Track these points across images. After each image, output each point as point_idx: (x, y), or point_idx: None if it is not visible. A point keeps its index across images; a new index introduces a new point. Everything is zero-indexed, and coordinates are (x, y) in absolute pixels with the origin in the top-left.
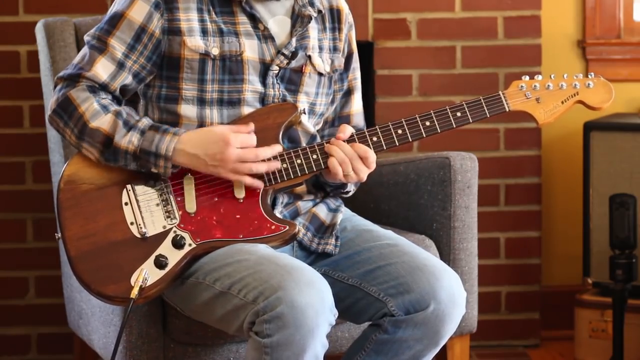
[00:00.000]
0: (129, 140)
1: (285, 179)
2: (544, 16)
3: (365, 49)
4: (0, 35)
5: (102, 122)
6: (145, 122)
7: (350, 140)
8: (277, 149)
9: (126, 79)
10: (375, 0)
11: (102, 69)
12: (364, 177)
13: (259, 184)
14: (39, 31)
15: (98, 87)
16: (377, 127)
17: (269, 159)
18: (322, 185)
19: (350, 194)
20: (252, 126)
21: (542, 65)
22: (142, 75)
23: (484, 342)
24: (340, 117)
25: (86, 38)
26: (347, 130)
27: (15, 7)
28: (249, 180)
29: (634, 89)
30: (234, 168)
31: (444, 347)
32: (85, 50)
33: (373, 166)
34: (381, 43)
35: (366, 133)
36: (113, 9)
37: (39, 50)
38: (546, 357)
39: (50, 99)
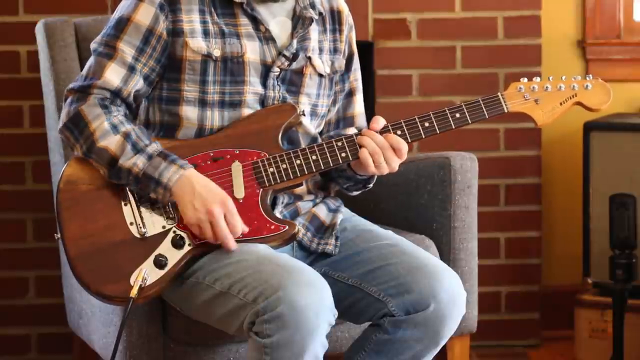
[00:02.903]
0: (134, 163)
1: (285, 179)
2: (544, 16)
3: (365, 49)
4: (0, 35)
5: (110, 142)
6: (155, 147)
7: (349, 140)
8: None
9: (138, 82)
10: (375, 0)
11: (114, 75)
12: (396, 167)
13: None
14: (39, 31)
15: (110, 98)
16: None
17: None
18: (344, 179)
19: (369, 187)
20: (246, 229)
21: (542, 66)
22: (152, 77)
23: (484, 342)
24: (345, 119)
25: (92, 46)
26: (380, 122)
27: (15, 7)
28: (203, 235)
29: (634, 89)
30: (202, 222)
31: (444, 347)
32: (92, 59)
33: (405, 156)
34: (381, 43)
35: None
36: (117, 14)
37: (39, 50)
38: (546, 357)
39: (49, 99)
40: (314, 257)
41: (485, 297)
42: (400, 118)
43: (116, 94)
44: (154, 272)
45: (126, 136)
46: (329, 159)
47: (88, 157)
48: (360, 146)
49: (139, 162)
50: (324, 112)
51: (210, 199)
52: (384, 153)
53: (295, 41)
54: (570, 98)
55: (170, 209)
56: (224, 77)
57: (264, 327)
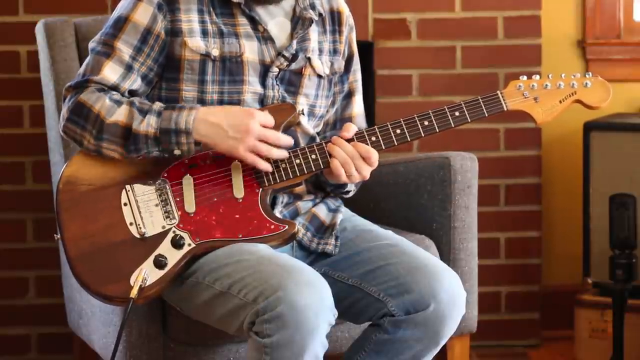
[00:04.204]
0: (147, 124)
1: (285, 178)
2: (544, 16)
3: (365, 49)
4: (0, 35)
5: (118, 114)
6: (159, 104)
7: (349, 140)
8: (291, 140)
9: (135, 81)
10: (375, 0)
11: (111, 72)
12: (368, 176)
13: (269, 167)
14: (39, 31)
15: (107, 89)
16: (375, 127)
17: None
18: (322, 185)
19: (351, 194)
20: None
21: (542, 66)
22: (150, 77)
23: (484, 342)
24: (342, 120)
25: (90, 45)
26: (351, 129)
27: (15, 7)
28: (263, 165)
29: (634, 89)
30: (253, 145)
31: (444, 347)
32: (90, 57)
33: (375, 164)
34: (381, 43)
35: (365, 133)
36: (116, 13)
37: (39, 50)
38: (546, 357)
39: (49, 99)
40: (313, 257)
41: (485, 297)
42: (400, 118)
43: (113, 89)
44: (154, 272)
45: (130, 104)
46: (328, 158)
47: (99, 143)
48: (331, 156)
49: (151, 121)
50: (322, 113)
51: (238, 120)
52: (354, 162)
53: (295, 42)
54: (570, 96)
55: (171, 209)
56: (222, 77)
57: (264, 327)
